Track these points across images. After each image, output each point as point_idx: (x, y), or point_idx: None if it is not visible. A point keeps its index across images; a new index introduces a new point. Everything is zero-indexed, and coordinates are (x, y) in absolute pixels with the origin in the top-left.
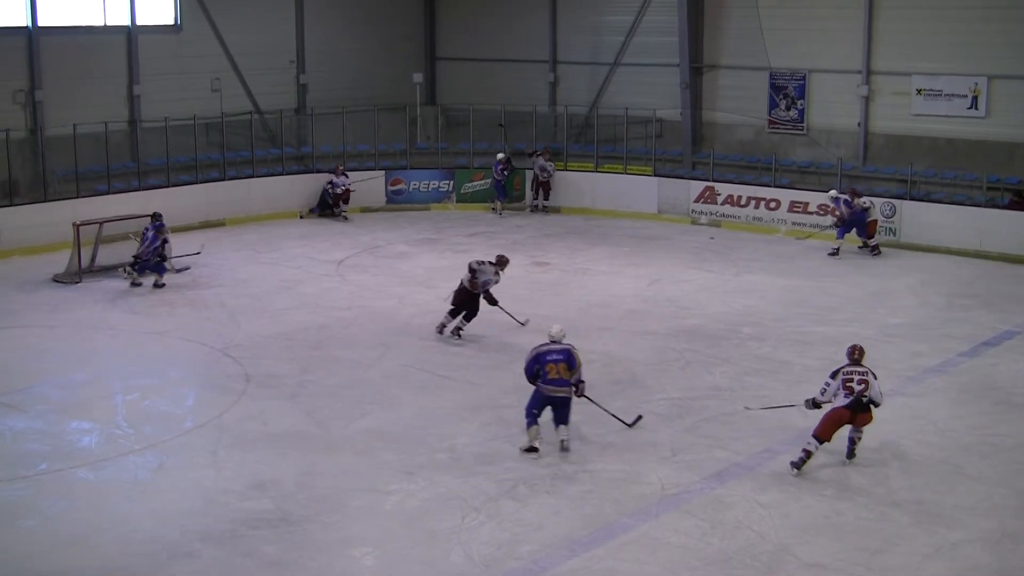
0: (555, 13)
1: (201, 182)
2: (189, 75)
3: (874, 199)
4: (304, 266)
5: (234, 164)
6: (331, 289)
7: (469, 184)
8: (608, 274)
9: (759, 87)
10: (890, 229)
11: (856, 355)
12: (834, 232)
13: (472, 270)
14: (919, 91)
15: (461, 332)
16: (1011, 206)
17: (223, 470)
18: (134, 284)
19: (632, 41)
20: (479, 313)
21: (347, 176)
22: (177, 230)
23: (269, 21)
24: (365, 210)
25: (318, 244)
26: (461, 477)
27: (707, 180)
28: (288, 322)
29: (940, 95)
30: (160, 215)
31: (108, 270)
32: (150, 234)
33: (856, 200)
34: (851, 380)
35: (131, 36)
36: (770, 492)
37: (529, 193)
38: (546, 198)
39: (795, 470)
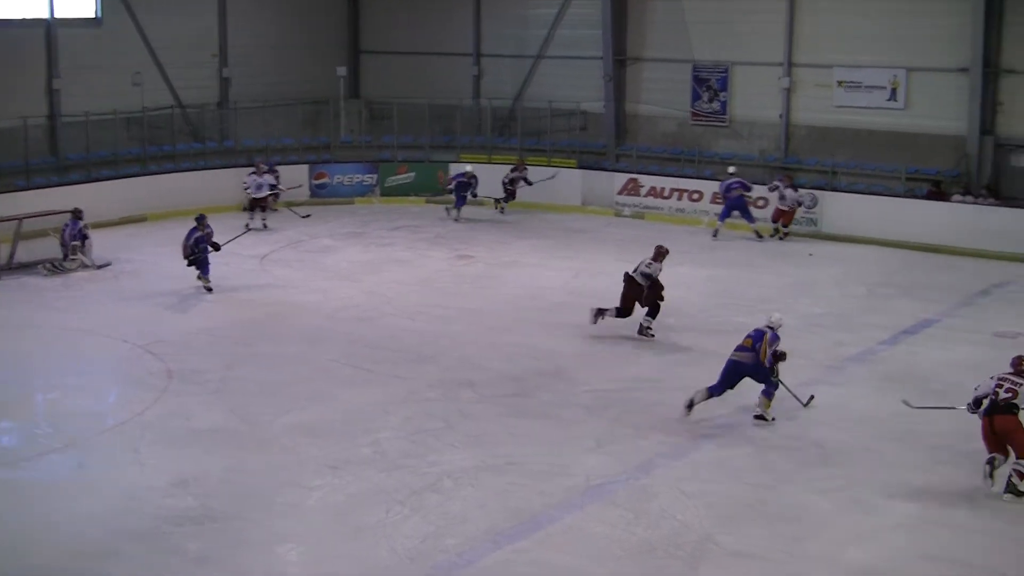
0: (479, 6)
1: (122, 177)
2: (110, 69)
3: (786, 192)
4: (227, 261)
5: (156, 159)
6: (255, 284)
7: (393, 178)
8: (534, 267)
9: (682, 79)
10: (811, 220)
11: (1023, 365)
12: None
13: (645, 274)
14: (840, 83)
15: (651, 330)
16: (930, 196)
17: (146, 468)
18: (208, 289)
19: (556, 34)
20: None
21: (275, 173)
22: (98, 226)
23: (191, 14)
24: (289, 204)
25: (241, 239)
26: (386, 471)
27: (631, 172)
28: (211, 318)
29: (860, 87)
30: (80, 211)
31: (27, 267)
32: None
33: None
34: (1001, 385)
35: (50, 29)
36: (694, 482)
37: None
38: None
39: (989, 480)
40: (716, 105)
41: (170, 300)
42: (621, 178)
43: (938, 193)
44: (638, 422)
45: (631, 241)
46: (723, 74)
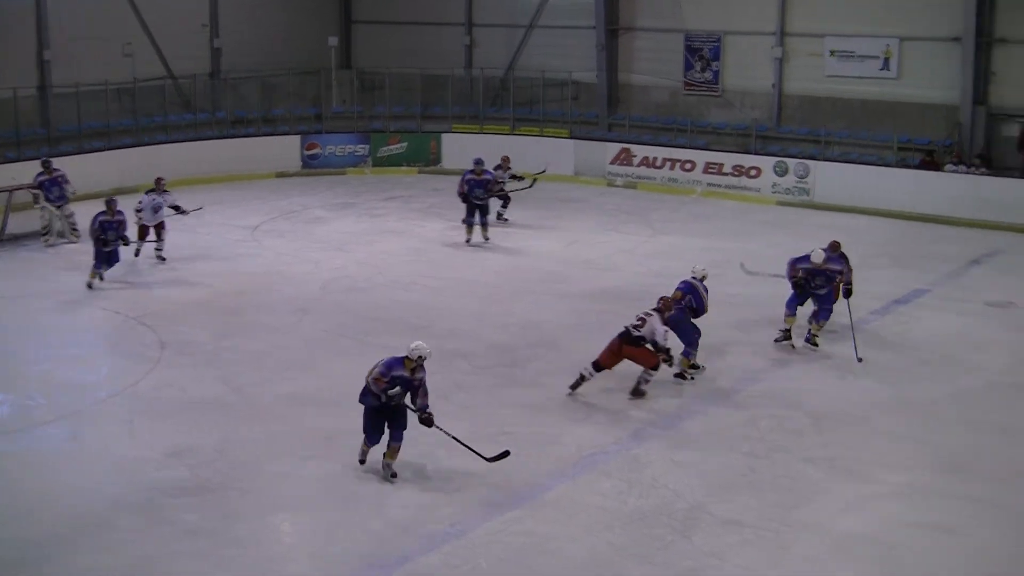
0: None
1: (114, 148)
2: (100, 40)
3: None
4: (219, 232)
5: (147, 130)
6: (247, 255)
7: (385, 148)
8: (526, 237)
9: (674, 49)
10: (803, 189)
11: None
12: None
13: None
14: (832, 52)
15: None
16: (922, 166)
17: (139, 439)
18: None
19: (548, 3)
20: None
21: (168, 193)
22: (91, 197)
23: None
24: (281, 175)
25: (232, 210)
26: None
27: (623, 142)
28: (204, 288)
29: (853, 56)
30: (49, 161)
31: (19, 238)
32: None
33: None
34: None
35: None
36: (686, 451)
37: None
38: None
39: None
40: (708, 75)
41: (162, 271)
42: (614, 148)
43: (931, 163)
44: (628, 392)
45: (623, 211)
46: (715, 43)
